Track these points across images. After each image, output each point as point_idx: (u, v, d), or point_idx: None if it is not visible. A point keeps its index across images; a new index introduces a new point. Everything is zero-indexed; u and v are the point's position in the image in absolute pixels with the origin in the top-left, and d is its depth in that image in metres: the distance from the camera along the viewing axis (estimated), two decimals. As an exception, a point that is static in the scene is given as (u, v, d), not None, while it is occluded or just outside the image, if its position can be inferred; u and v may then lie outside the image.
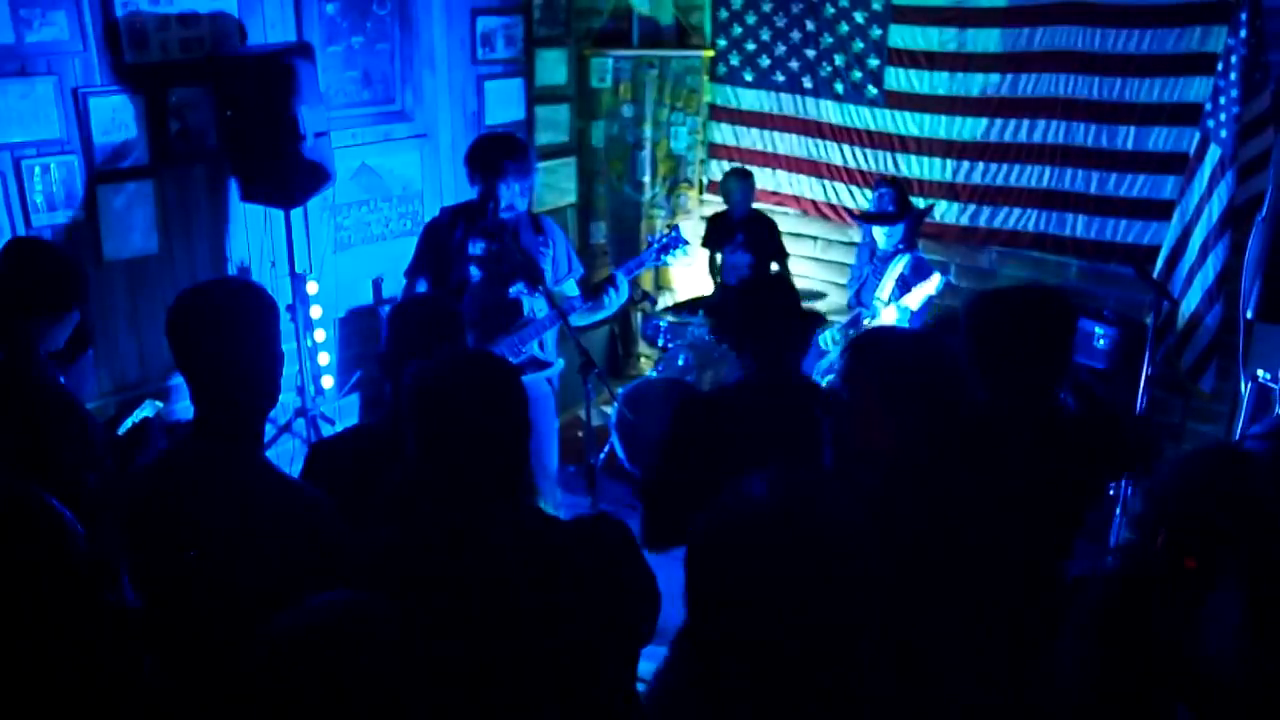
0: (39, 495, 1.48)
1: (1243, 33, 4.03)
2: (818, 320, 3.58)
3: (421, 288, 3.81)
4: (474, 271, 3.78)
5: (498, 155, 3.68)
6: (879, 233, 4.76)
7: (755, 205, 5.55)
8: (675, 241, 3.97)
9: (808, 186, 5.80)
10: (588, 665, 1.75)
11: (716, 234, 5.57)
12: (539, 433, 3.88)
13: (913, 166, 5.36)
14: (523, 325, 3.80)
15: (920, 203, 5.03)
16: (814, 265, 5.84)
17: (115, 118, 3.91)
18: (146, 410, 3.01)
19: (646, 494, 2.65)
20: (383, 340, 2.60)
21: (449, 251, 3.78)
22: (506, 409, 1.74)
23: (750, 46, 5.82)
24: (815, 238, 5.89)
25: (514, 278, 3.77)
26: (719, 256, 5.64)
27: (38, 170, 3.75)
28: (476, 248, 3.78)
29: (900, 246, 4.73)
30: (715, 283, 5.66)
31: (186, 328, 1.91)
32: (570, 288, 3.93)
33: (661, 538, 2.51)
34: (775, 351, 2.68)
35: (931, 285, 4.52)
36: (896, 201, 4.73)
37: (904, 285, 4.62)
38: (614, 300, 3.88)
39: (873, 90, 5.41)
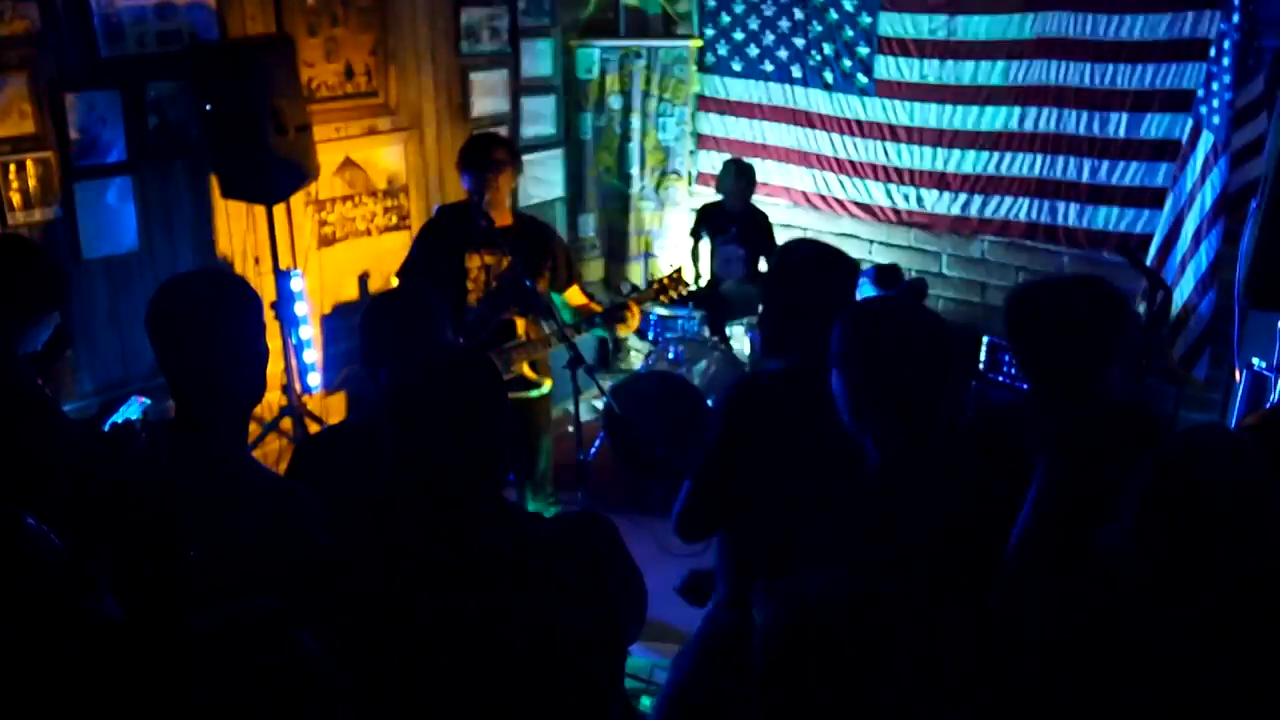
0: (13, 513, 1.44)
1: (1235, 18, 4.00)
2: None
3: None
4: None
5: (490, 152, 3.66)
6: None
7: (744, 196, 5.51)
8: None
9: (797, 177, 5.75)
10: (573, 664, 1.72)
11: (707, 223, 5.52)
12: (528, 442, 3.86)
13: (903, 156, 5.32)
14: (512, 347, 3.75)
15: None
16: (804, 256, 5.79)
17: (92, 113, 3.84)
18: (133, 408, 2.93)
19: (694, 481, 2.49)
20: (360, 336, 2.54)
21: (444, 255, 3.75)
22: (485, 409, 1.71)
23: (738, 36, 5.77)
24: (805, 229, 5.84)
25: (508, 307, 3.75)
26: (703, 246, 5.59)
27: (13, 168, 3.67)
28: (473, 261, 3.76)
29: None
30: (695, 273, 5.61)
31: (165, 321, 1.86)
32: (575, 295, 3.93)
33: (699, 527, 2.49)
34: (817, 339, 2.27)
35: None
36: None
37: None
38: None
39: (862, 79, 5.36)
